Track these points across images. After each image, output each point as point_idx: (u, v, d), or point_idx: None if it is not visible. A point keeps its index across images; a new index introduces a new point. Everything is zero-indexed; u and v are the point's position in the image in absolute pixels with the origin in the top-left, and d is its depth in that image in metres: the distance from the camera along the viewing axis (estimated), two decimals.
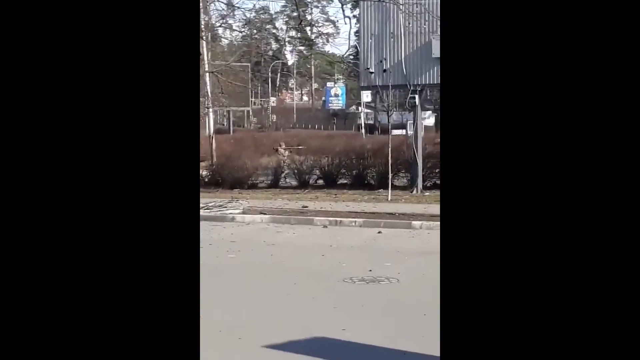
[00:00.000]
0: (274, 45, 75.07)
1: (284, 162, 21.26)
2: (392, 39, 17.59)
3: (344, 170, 20.08)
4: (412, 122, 18.68)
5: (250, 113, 56.78)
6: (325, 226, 13.65)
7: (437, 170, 18.53)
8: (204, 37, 24.28)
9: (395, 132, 20.79)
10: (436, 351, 5.31)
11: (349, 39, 54.49)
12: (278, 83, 72.67)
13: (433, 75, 17.28)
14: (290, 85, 79.16)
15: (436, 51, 16.61)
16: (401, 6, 16.81)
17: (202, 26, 22.30)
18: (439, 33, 16.63)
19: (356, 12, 25.61)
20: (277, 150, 22.73)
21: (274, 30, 74.15)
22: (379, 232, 12.77)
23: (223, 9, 24.17)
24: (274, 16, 68.11)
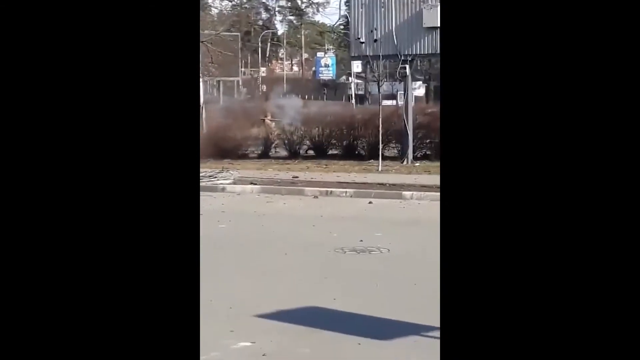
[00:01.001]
0: (264, 15, 74.63)
1: (271, 133, 21.11)
2: (382, 9, 17.49)
3: (335, 141, 20.06)
4: (402, 92, 18.67)
5: (240, 83, 56.52)
6: (315, 197, 13.67)
7: (427, 141, 18.57)
8: None
9: (386, 102, 20.78)
10: (427, 320, 5.38)
11: (340, 8, 54.24)
12: (268, 53, 72.28)
13: (424, 46, 17.23)
14: (280, 55, 78.69)
15: (427, 21, 16.55)
16: None
17: None
18: (429, 3, 16.57)
19: None
20: (263, 121, 22.27)
21: (264, 0, 73.67)
22: (369, 203, 12.79)
23: None
24: None
